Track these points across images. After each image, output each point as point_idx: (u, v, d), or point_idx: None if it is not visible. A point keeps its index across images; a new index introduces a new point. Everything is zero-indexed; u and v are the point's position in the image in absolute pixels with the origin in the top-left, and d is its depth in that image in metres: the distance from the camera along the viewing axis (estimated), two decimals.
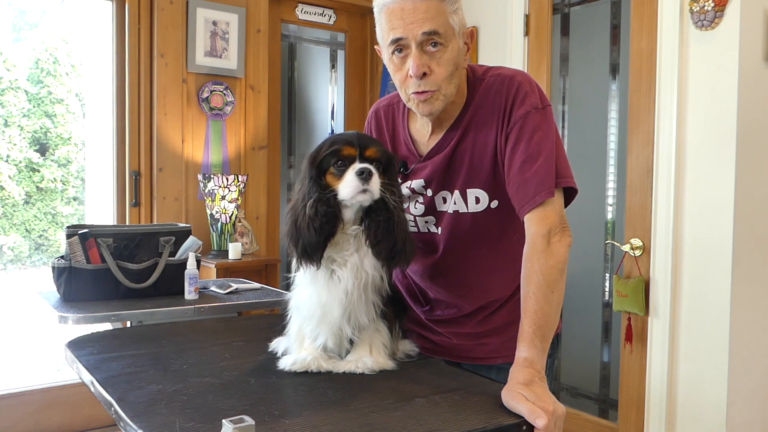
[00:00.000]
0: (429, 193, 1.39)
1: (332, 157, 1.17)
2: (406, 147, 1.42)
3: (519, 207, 1.27)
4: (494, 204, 1.35)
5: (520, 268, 1.40)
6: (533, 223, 1.24)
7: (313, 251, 1.17)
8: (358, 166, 1.15)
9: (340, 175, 1.17)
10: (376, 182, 1.15)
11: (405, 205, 1.42)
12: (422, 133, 1.40)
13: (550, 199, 1.24)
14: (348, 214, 1.20)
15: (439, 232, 1.42)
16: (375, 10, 1.31)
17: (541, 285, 1.18)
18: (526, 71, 3.12)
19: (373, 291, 1.23)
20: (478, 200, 1.35)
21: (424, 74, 1.25)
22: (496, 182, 1.33)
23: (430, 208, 1.41)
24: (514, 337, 1.30)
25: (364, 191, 1.14)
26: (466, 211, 1.37)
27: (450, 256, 1.42)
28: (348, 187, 1.15)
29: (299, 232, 1.17)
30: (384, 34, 1.28)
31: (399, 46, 1.25)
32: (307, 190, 1.18)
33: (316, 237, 1.15)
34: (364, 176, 1.14)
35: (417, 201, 1.42)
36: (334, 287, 1.20)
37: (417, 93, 1.27)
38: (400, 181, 1.40)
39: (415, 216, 1.44)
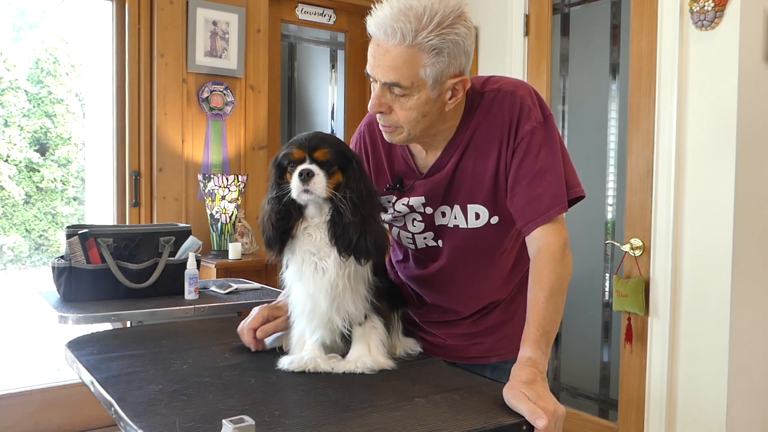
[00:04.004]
0: (428, 210, 1.38)
1: (285, 159, 1.24)
2: (405, 162, 1.39)
3: (527, 221, 1.26)
4: (494, 220, 1.35)
5: (513, 273, 1.43)
6: (549, 233, 1.24)
7: (272, 244, 1.25)
8: (300, 167, 1.20)
9: (291, 175, 1.24)
10: (318, 183, 1.19)
11: (401, 223, 1.42)
12: (419, 148, 1.38)
13: (563, 212, 1.26)
14: (310, 210, 1.24)
15: (440, 245, 1.41)
16: None
17: (554, 293, 1.19)
18: (526, 71, 3.12)
19: (360, 281, 1.25)
20: (478, 216, 1.35)
21: (382, 112, 1.24)
22: (496, 199, 1.32)
23: (429, 225, 1.40)
24: (507, 336, 1.34)
25: (306, 191, 1.19)
26: (466, 226, 1.36)
27: (448, 269, 1.42)
28: (293, 187, 1.21)
29: (263, 226, 1.26)
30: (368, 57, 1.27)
31: (371, 78, 1.25)
32: (269, 188, 1.26)
33: (273, 231, 1.24)
34: (303, 178, 1.19)
35: (415, 219, 1.40)
36: (320, 279, 1.22)
37: (380, 123, 1.28)
38: (395, 197, 1.39)
39: (413, 234, 1.43)
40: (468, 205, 1.34)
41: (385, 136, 1.31)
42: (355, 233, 1.19)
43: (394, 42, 1.16)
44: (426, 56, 1.16)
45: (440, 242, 1.41)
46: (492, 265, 1.41)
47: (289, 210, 1.24)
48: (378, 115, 1.26)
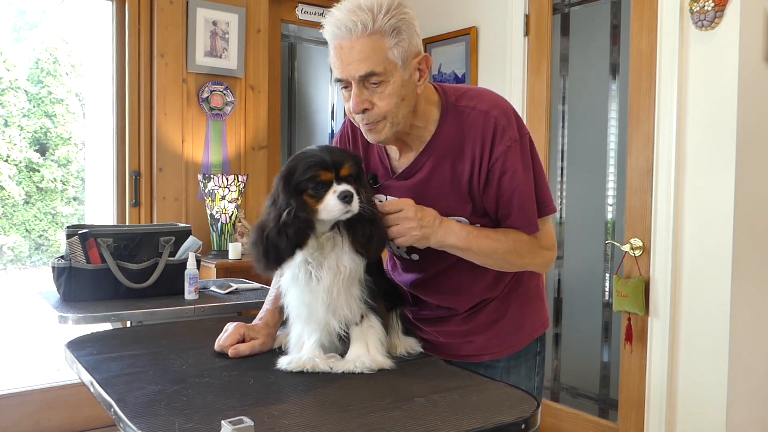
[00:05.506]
0: None
1: (309, 183, 1.19)
2: (380, 159, 1.43)
3: None
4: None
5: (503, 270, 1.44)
6: (544, 239, 1.36)
7: (282, 257, 1.20)
8: (338, 189, 1.18)
9: (319, 197, 1.19)
10: (356, 201, 1.19)
11: None
12: (395, 149, 1.41)
13: (536, 233, 1.34)
14: (323, 226, 1.22)
15: (414, 259, 1.43)
16: None
17: (510, 251, 1.31)
18: (526, 71, 3.12)
19: (353, 284, 1.25)
20: None
21: (366, 109, 1.27)
22: (475, 210, 1.35)
23: None
24: (499, 335, 1.39)
25: (347, 212, 1.19)
26: None
27: (435, 276, 1.44)
28: (331, 209, 1.18)
29: (269, 241, 1.19)
30: (332, 68, 1.30)
31: (343, 83, 1.28)
32: (284, 204, 1.20)
33: (285, 242, 1.17)
34: (347, 200, 1.18)
35: None
36: (315, 287, 1.23)
37: (363, 123, 1.30)
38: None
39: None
40: (449, 217, 1.36)
41: (369, 137, 1.33)
42: (378, 236, 1.24)
43: (357, 35, 1.22)
44: (389, 38, 1.23)
45: (414, 255, 1.43)
46: (478, 265, 1.41)
47: (310, 221, 1.19)
48: (360, 116, 1.29)
